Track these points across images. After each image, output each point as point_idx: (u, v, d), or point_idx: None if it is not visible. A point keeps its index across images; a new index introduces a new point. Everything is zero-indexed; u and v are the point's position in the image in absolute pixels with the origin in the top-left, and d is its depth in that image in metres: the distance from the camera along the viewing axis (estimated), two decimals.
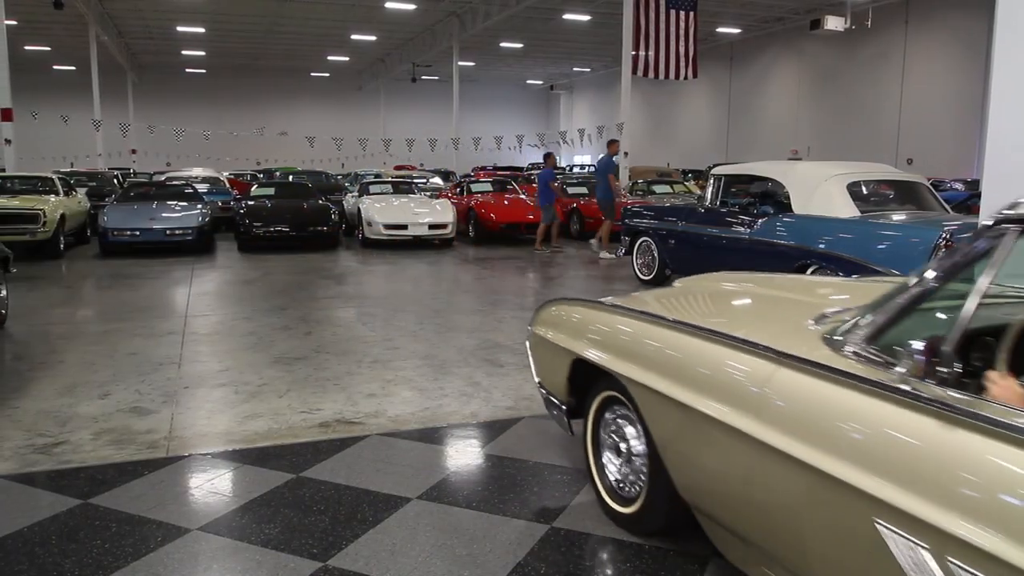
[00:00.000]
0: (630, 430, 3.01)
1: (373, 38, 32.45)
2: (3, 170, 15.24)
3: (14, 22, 24.97)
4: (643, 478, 2.92)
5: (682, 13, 18.14)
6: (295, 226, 13.05)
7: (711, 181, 8.69)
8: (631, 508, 3.01)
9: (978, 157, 20.96)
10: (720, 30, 30.01)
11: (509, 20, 27.01)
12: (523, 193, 16.38)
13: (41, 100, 29.45)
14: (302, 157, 34.47)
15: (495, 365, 5.56)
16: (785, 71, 29.99)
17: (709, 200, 8.54)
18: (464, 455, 3.92)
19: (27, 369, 5.48)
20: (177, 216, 12.61)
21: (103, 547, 2.93)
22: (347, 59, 38.27)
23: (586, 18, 27.61)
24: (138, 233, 12.10)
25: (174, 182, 16.37)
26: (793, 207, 7.38)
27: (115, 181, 19.88)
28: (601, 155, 12.87)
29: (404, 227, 13.23)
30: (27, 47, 32.15)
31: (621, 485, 3.10)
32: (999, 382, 1.75)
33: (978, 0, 21.22)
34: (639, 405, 2.82)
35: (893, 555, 1.69)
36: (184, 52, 36.22)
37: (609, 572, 2.78)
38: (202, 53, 36.47)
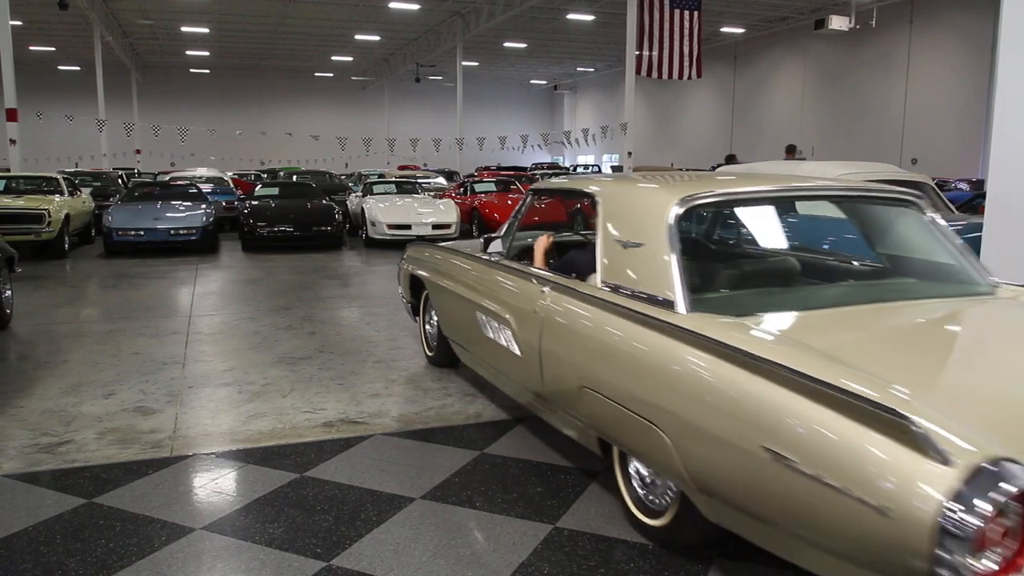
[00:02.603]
0: (434, 313, 5.28)
1: (377, 38, 32.45)
2: (8, 170, 15.28)
3: (19, 22, 25.02)
4: (436, 334, 5.31)
5: (686, 13, 18.09)
6: (299, 226, 13.07)
7: None
8: (434, 352, 5.43)
9: (983, 157, 20.89)
10: (724, 30, 29.96)
11: (513, 20, 27.00)
12: None
13: (46, 100, 29.49)
14: (306, 157, 34.54)
15: None
16: (789, 71, 29.93)
17: None
18: (468, 455, 3.92)
19: (32, 368, 5.50)
20: (181, 216, 12.62)
21: (107, 546, 2.94)
22: (351, 59, 38.29)
23: (590, 18, 27.59)
24: (142, 233, 12.12)
25: (178, 182, 16.41)
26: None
27: (119, 181, 19.93)
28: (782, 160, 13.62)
29: (408, 227, 13.24)
30: (32, 47, 32.24)
31: (431, 341, 5.48)
32: (537, 249, 4.08)
33: (983, 0, 21.16)
34: (430, 294, 5.16)
35: (480, 325, 4.10)
36: (188, 52, 36.28)
37: (612, 572, 2.78)
38: (206, 53, 36.51)
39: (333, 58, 37.91)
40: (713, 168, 19.32)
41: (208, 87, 42.50)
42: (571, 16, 27.35)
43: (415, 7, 26.58)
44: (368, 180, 17.36)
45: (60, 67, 37.76)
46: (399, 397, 4.84)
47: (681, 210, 2.99)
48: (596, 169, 34.41)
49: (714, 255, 4.16)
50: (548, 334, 3.36)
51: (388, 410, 4.58)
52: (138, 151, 33.26)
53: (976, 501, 1.72)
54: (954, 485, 1.74)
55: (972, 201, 11.41)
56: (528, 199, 4.38)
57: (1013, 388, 2.31)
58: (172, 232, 12.26)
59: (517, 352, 3.65)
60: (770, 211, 4.06)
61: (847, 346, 2.54)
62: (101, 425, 4.29)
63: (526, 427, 4.26)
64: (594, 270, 3.31)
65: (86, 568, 2.79)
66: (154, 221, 12.28)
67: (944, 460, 1.77)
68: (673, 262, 2.85)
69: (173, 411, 4.55)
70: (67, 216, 11.83)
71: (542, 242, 4.11)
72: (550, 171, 27.30)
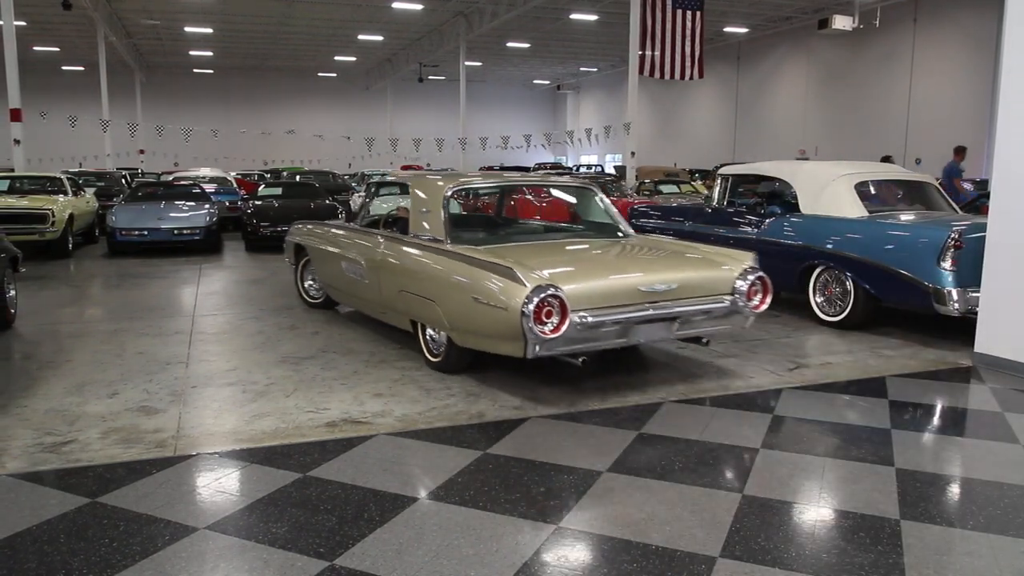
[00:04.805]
0: (313, 270, 7.46)
1: (380, 38, 32.46)
2: (12, 170, 15.31)
3: (23, 23, 25.07)
4: (317, 287, 7.53)
5: (689, 13, 18.09)
6: None
7: (718, 181, 8.67)
8: (317, 300, 7.60)
9: (987, 157, 20.84)
10: (728, 29, 29.93)
11: (516, 20, 27.00)
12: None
13: (50, 100, 29.53)
14: (309, 157, 34.56)
15: (501, 365, 5.55)
16: (793, 70, 29.89)
17: (716, 200, 8.52)
18: (471, 455, 3.92)
19: (36, 368, 5.51)
20: (185, 216, 12.63)
21: (111, 546, 2.95)
22: (354, 59, 38.30)
23: (593, 18, 27.57)
24: (146, 233, 12.13)
25: (182, 182, 16.41)
26: (801, 207, 7.36)
27: (123, 181, 19.95)
28: (949, 161, 13.68)
29: None
30: (36, 48, 32.28)
31: (312, 293, 7.68)
32: (402, 217, 6.26)
33: None
34: (311, 256, 7.27)
35: (345, 271, 6.44)
36: (192, 53, 36.31)
37: (615, 572, 2.78)
38: (210, 53, 36.54)
39: (336, 58, 37.92)
40: (716, 168, 19.31)
41: (211, 87, 42.53)
42: (574, 16, 27.34)
43: (418, 7, 26.59)
44: (371, 180, 17.32)
45: (64, 67, 37.80)
46: (402, 397, 4.84)
47: (450, 191, 5.68)
48: (599, 169, 34.37)
49: (468, 218, 7.01)
50: (383, 267, 5.74)
51: (391, 410, 4.59)
52: (141, 151, 33.30)
53: (534, 299, 4.25)
54: (527, 294, 4.27)
55: (976, 201, 11.38)
56: (371, 189, 7.60)
57: (581, 266, 5.18)
58: (176, 232, 12.27)
59: (367, 282, 6.03)
60: (504, 194, 7.83)
61: (514, 253, 4.93)
62: (105, 425, 4.30)
63: (529, 427, 4.26)
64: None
65: (90, 567, 2.79)
66: (158, 221, 12.29)
67: (524, 284, 4.31)
68: (445, 220, 5.47)
69: (177, 411, 4.56)
70: (71, 216, 11.85)
71: (395, 213, 6.37)
72: (552, 171, 27.28)
